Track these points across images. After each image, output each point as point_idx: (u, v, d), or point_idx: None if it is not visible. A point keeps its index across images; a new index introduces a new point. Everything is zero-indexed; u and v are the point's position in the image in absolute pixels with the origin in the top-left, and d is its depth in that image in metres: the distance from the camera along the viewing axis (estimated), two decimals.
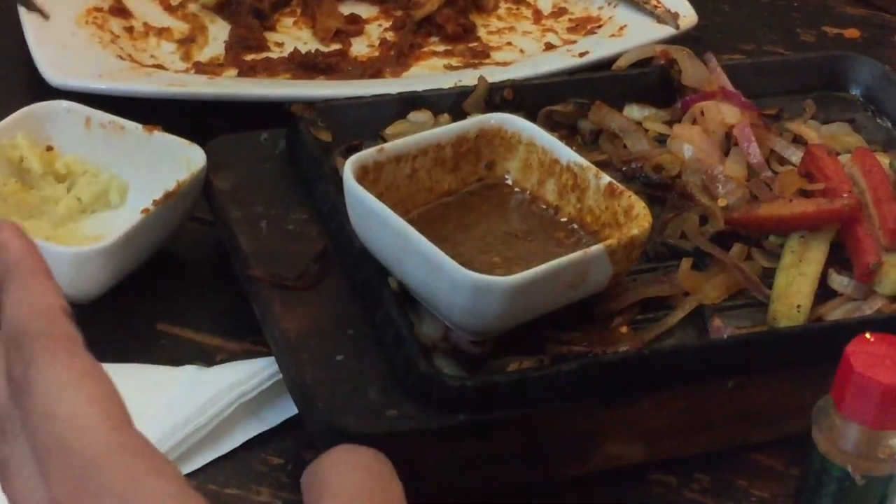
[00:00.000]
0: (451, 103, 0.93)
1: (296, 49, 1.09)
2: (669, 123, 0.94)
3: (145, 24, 1.12)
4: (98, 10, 1.10)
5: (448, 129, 0.81)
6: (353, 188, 0.75)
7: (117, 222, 0.85)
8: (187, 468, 0.74)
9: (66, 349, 0.46)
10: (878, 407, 0.47)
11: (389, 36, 1.14)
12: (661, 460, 0.76)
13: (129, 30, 1.10)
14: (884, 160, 0.89)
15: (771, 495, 0.75)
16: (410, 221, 0.73)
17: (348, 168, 0.75)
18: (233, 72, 1.07)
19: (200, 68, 1.07)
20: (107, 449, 0.45)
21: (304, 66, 1.07)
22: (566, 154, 0.80)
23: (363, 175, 0.76)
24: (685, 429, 0.75)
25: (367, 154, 0.77)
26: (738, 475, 0.76)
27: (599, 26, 1.15)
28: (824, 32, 1.25)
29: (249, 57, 1.09)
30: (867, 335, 0.49)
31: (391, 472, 0.52)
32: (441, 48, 1.13)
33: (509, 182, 0.83)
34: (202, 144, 0.87)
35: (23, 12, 1.05)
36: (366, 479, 0.50)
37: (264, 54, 1.10)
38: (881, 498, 0.49)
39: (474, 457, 0.71)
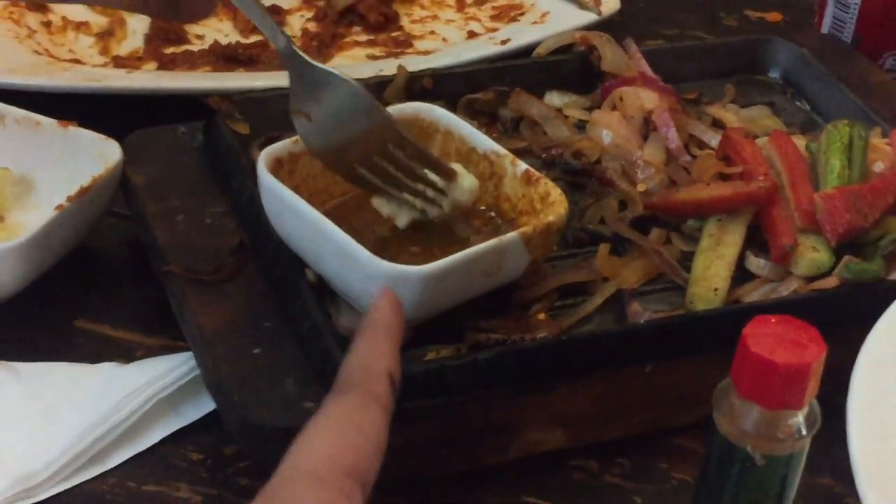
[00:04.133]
0: (371, 93, 0.92)
1: (216, 41, 1.08)
2: (590, 110, 0.95)
3: (63, 19, 1.10)
4: (15, 5, 1.09)
5: None
6: (266, 180, 0.74)
7: (32, 219, 0.84)
8: (106, 465, 0.73)
9: (360, 404, 0.54)
10: (776, 388, 0.47)
11: (311, 27, 1.14)
12: (582, 446, 0.76)
13: (47, 24, 1.09)
14: (801, 142, 0.89)
15: (692, 477, 0.76)
16: (327, 213, 0.73)
17: (262, 160, 0.75)
18: (152, 65, 1.06)
19: (119, 62, 1.06)
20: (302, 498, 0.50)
21: (225, 58, 1.06)
22: (483, 142, 0.80)
23: (278, 167, 0.76)
24: (605, 414, 0.75)
25: (282, 145, 0.77)
26: (658, 458, 0.77)
27: (522, 13, 1.16)
28: (746, 16, 1.26)
29: (169, 50, 1.08)
30: (766, 316, 0.49)
31: None
32: (364, 38, 1.13)
33: None
34: (122, 139, 0.86)
35: None
36: None
37: (184, 47, 1.09)
38: (782, 477, 0.50)
39: (393, 446, 0.70)
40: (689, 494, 0.74)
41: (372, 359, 0.56)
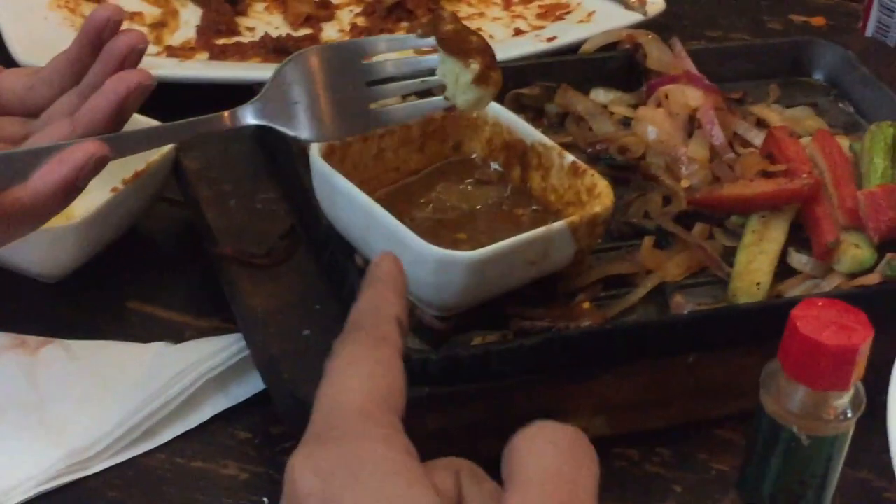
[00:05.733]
0: None
1: (267, 34, 1.10)
2: (635, 107, 0.95)
3: None
4: None
5: None
6: (319, 166, 0.76)
7: (86, 202, 0.85)
8: (155, 442, 0.75)
9: (372, 343, 0.51)
10: (822, 369, 0.48)
11: (360, 21, 1.15)
12: (623, 434, 0.77)
13: None
14: (844, 143, 0.90)
15: (730, 468, 0.77)
16: (377, 200, 0.74)
17: (315, 146, 0.76)
18: (204, 55, 1.08)
19: (172, 52, 1.07)
20: (356, 433, 0.47)
21: (275, 50, 1.08)
22: (531, 134, 0.82)
23: (330, 153, 0.77)
24: (646, 403, 0.76)
25: None
26: (698, 449, 0.78)
27: (568, 12, 1.17)
28: (790, 20, 1.26)
29: (220, 41, 1.10)
30: (815, 299, 0.50)
31: (586, 451, 0.50)
32: None
33: (475, 161, 0.84)
34: None
35: None
36: (555, 457, 0.49)
37: (235, 39, 1.11)
38: (827, 457, 0.51)
39: (439, 430, 0.72)
40: (728, 485, 0.76)
41: (377, 305, 0.54)
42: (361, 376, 0.50)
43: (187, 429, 0.76)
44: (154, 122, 0.87)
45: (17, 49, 1.00)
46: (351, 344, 0.52)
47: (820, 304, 0.49)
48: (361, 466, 0.45)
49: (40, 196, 0.64)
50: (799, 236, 0.83)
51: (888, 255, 0.79)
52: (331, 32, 1.14)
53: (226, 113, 0.70)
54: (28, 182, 0.64)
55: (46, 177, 0.64)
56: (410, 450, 0.48)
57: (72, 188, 0.65)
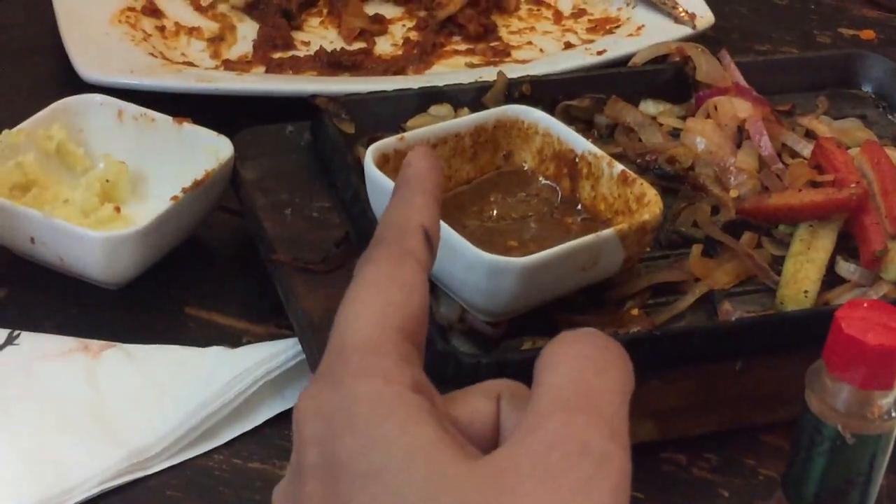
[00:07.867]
0: (471, 98, 0.96)
1: (321, 47, 1.12)
2: (684, 118, 0.97)
3: (176, 24, 1.15)
4: (131, 9, 1.14)
5: (467, 120, 0.84)
6: (373, 174, 0.77)
7: (146, 211, 0.88)
8: (213, 443, 0.77)
9: (392, 261, 0.48)
10: (866, 368, 0.49)
11: (413, 35, 1.17)
12: (671, 439, 0.78)
13: (161, 29, 1.14)
14: (893, 153, 0.91)
15: (778, 474, 0.77)
16: None
17: (369, 155, 0.78)
18: (260, 69, 1.10)
19: (229, 66, 1.10)
20: (357, 369, 0.45)
21: (330, 64, 1.10)
22: (581, 144, 0.83)
23: (383, 162, 0.79)
24: (694, 408, 0.77)
25: (388, 142, 0.80)
26: (745, 454, 0.78)
27: (618, 26, 1.18)
28: (840, 34, 1.27)
29: (277, 55, 1.12)
30: (860, 300, 0.51)
31: (614, 358, 0.46)
32: (463, 47, 1.16)
33: (526, 171, 0.85)
34: (230, 137, 0.90)
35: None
36: (576, 366, 0.45)
37: (291, 53, 1.13)
38: (871, 456, 0.51)
39: None
40: (775, 490, 0.76)
41: (402, 214, 0.49)
42: (374, 304, 0.46)
43: (244, 431, 0.78)
44: (211, 133, 0.90)
45: (81, 67, 1.02)
46: (369, 264, 0.48)
47: (865, 305, 0.51)
48: (358, 407, 0.43)
49: None
50: (846, 245, 0.84)
51: None
52: (384, 46, 1.16)
53: None
54: None
55: None
56: (419, 382, 0.45)
57: None
